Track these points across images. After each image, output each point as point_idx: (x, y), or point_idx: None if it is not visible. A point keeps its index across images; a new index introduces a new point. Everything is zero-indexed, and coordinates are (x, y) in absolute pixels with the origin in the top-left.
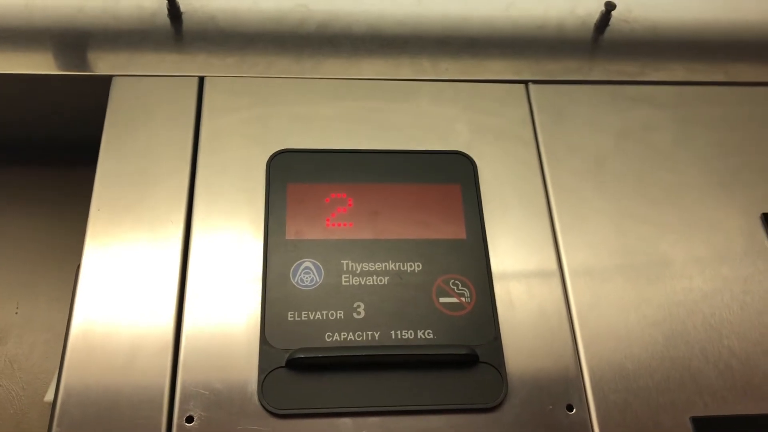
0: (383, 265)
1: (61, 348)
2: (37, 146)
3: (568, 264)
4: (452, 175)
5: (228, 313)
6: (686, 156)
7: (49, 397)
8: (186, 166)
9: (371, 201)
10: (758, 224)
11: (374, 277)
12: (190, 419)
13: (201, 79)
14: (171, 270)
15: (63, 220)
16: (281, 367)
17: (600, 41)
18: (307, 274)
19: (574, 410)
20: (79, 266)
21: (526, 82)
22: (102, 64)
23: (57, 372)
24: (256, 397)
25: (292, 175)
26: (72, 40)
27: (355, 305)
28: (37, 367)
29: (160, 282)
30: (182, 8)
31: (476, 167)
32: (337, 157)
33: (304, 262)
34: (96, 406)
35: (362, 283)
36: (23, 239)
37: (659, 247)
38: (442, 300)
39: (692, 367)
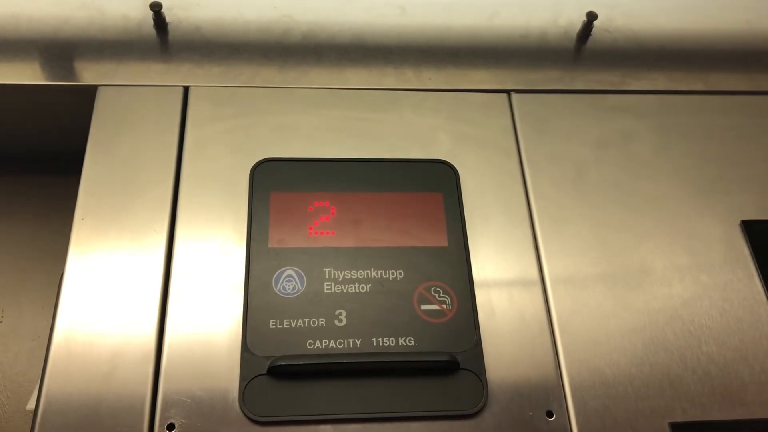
0: (365, 272)
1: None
2: (22, 156)
3: (549, 272)
4: (434, 183)
5: (210, 320)
6: (666, 165)
7: (32, 405)
8: (170, 175)
9: (354, 209)
10: (737, 232)
11: (356, 285)
12: (171, 426)
13: (186, 89)
14: (154, 278)
15: (48, 229)
16: (262, 374)
17: (582, 51)
18: (289, 281)
19: (554, 416)
20: (62, 275)
21: (508, 92)
22: (87, 74)
23: (39, 381)
24: (237, 405)
25: (275, 184)
26: (58, 50)
27: (336, 312)
28: (21, 376)
29: (143, 290)
30: (168, 19)
31: (458, 176)
32: (320, 165)
33: (286, 270)
34: (77, 413)
35: (344, 290)
36: (8, 248)
37: (639, 255)
38: (424, 307)
39: (671, 374)
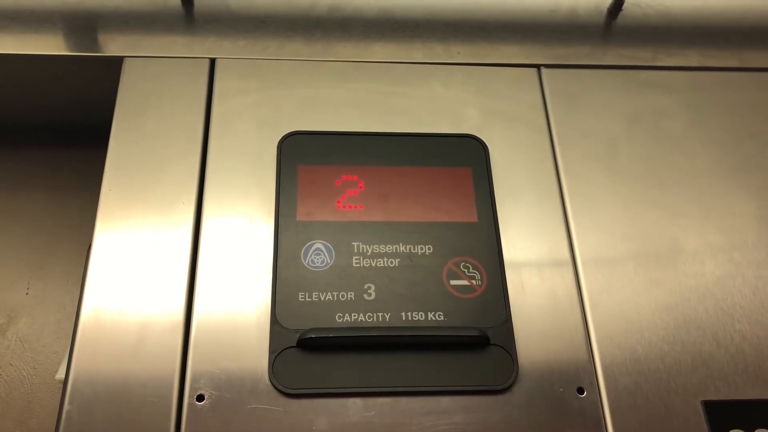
0: (394, 247)
1: (72, 328)
2: (49, 128)
3: (580, 248)
4: (463, 158)
5: (239, 293)
6: (698, 141)
7: (61, 375)
8: (197, 148)
9: (382, 183)
10: None
11: (385, 259)
12: (200, 398)
13: (212, 61)
14: (182, 251)
15: (74, 201)
16: (292, 347)
17: (613, 26)
18: (318, 255)
19: (585, 393)
20: (90, 247)
21: (538, 66)
22: (113, 45)
23: (68, 351)
24: (266, 377)
25: (302, 157)
26: (83, 21)
27: (365, 287)
28: (47, 347)
29: (171, 263)
30: None
31: (488, 151)
32: (348, 139)
33: (314, 243)
34: (106, 384)
35: (373, 264)
36: (34, 220)
37: (671, 232)
38: (453, 282)
39: (704, 352)
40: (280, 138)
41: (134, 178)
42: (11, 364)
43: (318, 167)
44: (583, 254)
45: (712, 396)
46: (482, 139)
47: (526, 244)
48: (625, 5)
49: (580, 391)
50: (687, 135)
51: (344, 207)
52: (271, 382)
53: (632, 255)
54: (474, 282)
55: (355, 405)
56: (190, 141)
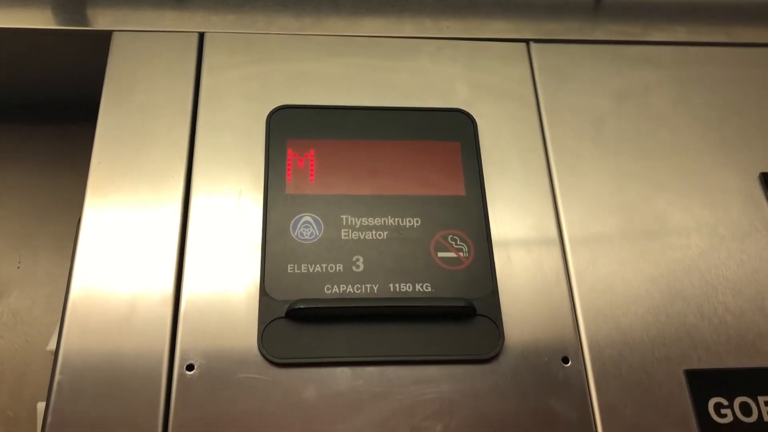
0: (382, 219)
1: (63, 300)
2: (38, 103)
3: (567, 222)
4: (452, 132)
5: (228, 266)
6: (685, 117)
7: (52, 346)
8: (186, 121)
9: (371, 157)
10: (756, 184)
11: (373, 232)
12: (190, 367)
13: (201, 36)
14: (171, 223)
15: (64, 175)
16: (281, 318)
17: (602, 1)
18: (306, 228)
19: (570, 362)
20: (80, 220)
21: (527, 41)
22: (102, 19)
23: (59, 322)
24: (256, 347)
25: (291, 131)
26: None
27: (354, 259)
28: (39, 320)
29: (161, 235)
30: None
31: (476, 125)
32: (336, 113)
33: (303, 216)
34: (98, 354)
35: (361, 237)
36: (24, 195)
37: (657, 206)
38: (441, 254)
39: (688, 323)
40: (269, 112)
41: (123, 152)
42: (2, 337)
43: (307, 141)
44: (570, 228)
45: (695, 365)
46: (471, 113)
47: (513, 217)
48: None
49: (565, 360)
50: (674, 111)
51: (333, 180)
52: (261, 352)
53: (619, 228)
54: (461, 254)
55: (343, 374)
56: (179, 114)
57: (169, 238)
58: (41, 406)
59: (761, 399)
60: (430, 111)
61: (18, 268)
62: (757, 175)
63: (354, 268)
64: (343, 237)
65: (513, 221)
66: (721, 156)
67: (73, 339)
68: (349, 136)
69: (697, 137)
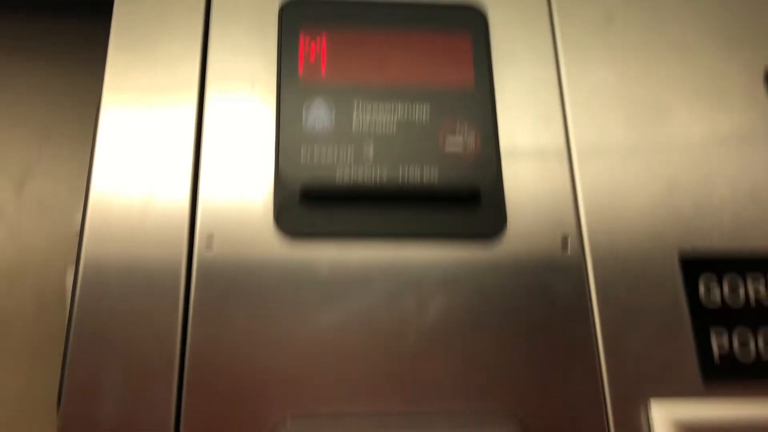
0: (392, 108)
1: (85, 185)
2: None
3: (572, 110)
4: (462, 24)
5: (242, 152)
6: (694, 12)
7: (76, 227)
8: (200, 13)
9: (381, 48)
10: (760, 80)
11: (384, 120)
12: (209, 247)
13: None
14: (188, 110)
15: (82, 66)
16: (295, 200)
17: None
18: (318, 115)
19: (569, 246)
20: (98, 107)
21: None
22: None
23: (82, 202)
24: (272, 224)
25: (304, 21)
26: None
27: (365, 145)
28: (63, 202)
29: (178, 122)
30: None
31: (487, 18)
32: (347, 5)
33: (316, 104)
34: (119, 239)
35: (372, 124)
36: (46, 84)
37: (661, 99)
38: (449, 142)
39: (686, 214)
40: (281, 3)
41: (140, 40)
42: (28, 221)
43: (319, 27)
44: (574, 116)
45: (689, 253)
46: (481, 7)
47: (519, 109)
48: None
49: (564, 242)
50: (683, 5)
51: (344, 70)
52: (276, 228)
53: (624, 119)
54: (468, 143)
55: (355, 249)
56: (193, 3)
57: (185, 126)
58: (70, 271)
59: (749, 276)
60: (440, 6)
61: (39, 155)
62: (762, 71)
63: (365, 153)
64: (354, 124)
65: (519, 112)
66: (727, 53)
67: (96, 225)
68: (360, 28)
69: (705, 33)
